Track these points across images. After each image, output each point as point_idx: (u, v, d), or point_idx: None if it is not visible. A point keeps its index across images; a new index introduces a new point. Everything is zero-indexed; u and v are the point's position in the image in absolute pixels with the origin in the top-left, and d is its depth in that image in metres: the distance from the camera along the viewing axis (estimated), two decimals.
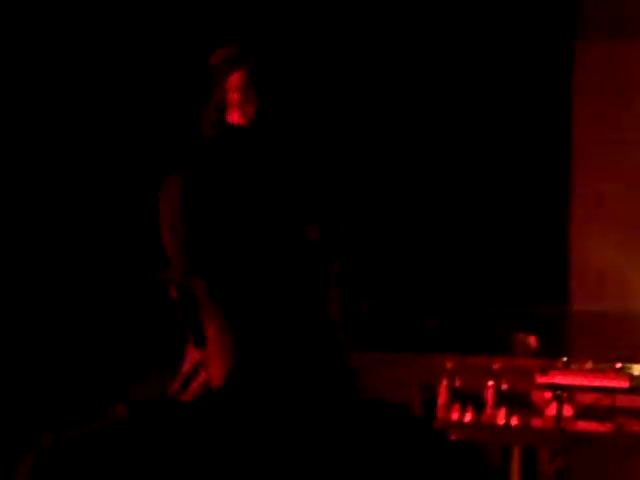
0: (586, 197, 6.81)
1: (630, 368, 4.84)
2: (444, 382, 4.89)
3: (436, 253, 6.84)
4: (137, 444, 2.80)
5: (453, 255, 6.89)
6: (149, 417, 2.90)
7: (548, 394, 4.78)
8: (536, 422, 4.80)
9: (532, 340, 6.04)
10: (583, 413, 4.74)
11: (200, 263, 2.97)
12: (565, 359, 4.92)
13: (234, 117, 3.57)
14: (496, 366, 4.91)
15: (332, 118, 5.16)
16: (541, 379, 4.79)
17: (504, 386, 4.86)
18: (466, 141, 6.81)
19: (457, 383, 4.91)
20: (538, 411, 4.81)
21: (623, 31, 6.51)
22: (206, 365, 3.03)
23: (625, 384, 4.72)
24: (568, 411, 4.74)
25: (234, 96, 3.58)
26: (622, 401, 4.73)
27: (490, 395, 4.83)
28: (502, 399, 4.84)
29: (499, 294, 6.73)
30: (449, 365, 4.94)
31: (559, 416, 4.73)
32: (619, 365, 4.83)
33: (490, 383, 4.84)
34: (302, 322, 3.03)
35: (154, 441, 2.80)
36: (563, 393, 4.74)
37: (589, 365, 4.91)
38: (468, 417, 4.84)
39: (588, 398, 4.75)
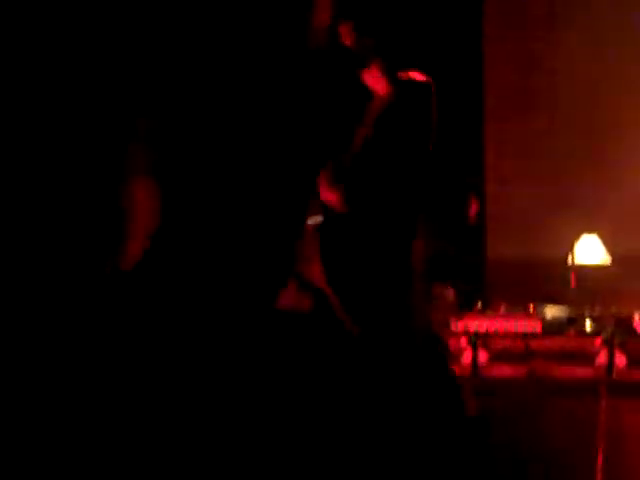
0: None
1: (542, 311, 4.91)
2: None
3: None
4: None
5: None
6: None
7: (464, 340, 4.83)
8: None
9: (450, 293, 6.10)
10: (498, 357, 4.80)
11: None
12: (480, 305, 4.97)
13: None
14: None
15: None
16: (456, 326, 4.83)
17: None
18: None
19: None
20: (455, 358, 4.85)
21: None
22: None
23: (538, 328, 4.78)
24: (483, 356, 4.79)
25: None
26: (535, 344, 4.80)
27: None
28: None
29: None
30: None
31: (475, 362, 4.79)
32: (532, 308, 4.90)
33: None
34: None
35: None
36: (478, 339, 4.79)
37: (503, 310, 4.97)
38: None
39: (502, 343, 4.80)
